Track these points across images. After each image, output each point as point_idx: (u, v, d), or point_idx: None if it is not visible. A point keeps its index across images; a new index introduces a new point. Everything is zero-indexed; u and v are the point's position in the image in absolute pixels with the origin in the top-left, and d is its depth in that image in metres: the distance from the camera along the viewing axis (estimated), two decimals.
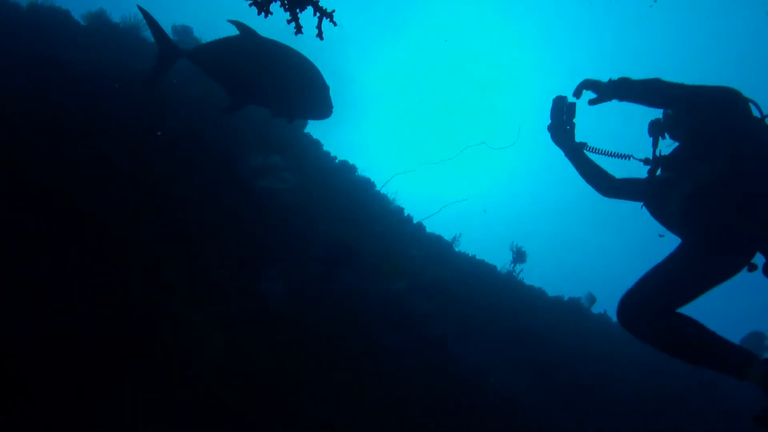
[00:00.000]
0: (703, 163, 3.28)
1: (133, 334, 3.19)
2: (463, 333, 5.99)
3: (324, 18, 2.77)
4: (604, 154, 3.88)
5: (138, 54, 7.80)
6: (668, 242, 3.84)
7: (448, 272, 7.67)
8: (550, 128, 4.01)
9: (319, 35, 2.75)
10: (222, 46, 4.76)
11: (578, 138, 4.00)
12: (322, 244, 5.17)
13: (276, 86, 4.66)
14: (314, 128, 9.70)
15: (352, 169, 9.24)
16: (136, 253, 3.76)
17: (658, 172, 3.70)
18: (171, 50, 4.84)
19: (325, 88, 4.74)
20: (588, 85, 3.80)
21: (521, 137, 8.94)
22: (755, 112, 3.37)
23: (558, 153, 4.17)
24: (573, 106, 3.92)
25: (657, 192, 3.62)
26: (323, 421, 3.76)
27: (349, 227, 6.34)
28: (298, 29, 2.74)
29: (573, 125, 3.96)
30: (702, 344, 3.11)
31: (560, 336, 7.67)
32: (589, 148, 3.94)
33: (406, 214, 9.31)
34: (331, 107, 4.85)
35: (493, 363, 5.78)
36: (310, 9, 2.72)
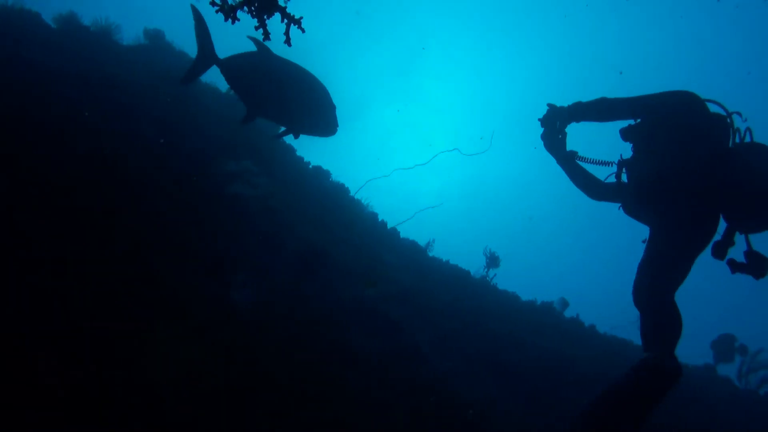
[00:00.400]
0: (656, 159, 3.74)
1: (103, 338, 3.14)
2: (437, 338, 6.00)
3: (292, 24, 2.76)
4: (591, 162, 4.25)
5: (111, 57, 7.70)
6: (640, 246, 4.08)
7: (421, 278, 7.69)
8: (543, 136, 4.29)
9: (287, 42, 2.74)
10: (244, 60, 4.99)
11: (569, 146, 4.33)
12: (294, 249, 5.14)
13: (288, 103, 4.93)
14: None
15: (326, 174, 9.22)
16: (107, 257, 3.70)
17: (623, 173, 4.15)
18: (209, 56, 5.04)
19: (332, 108, 4.97)
20: (548, 119, 4.24)
21: (494, 145, 9.05)
22: (719, 111, 3.75)
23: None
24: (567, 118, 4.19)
25: (625, 189, 4.07)
26: (297, 426, 3.73)
27: (322, 233, 6.32)
28: (266, 35, 2.72)
29: (565, 134, 4.26)
30: (663, 328, 3.67)
31: (534, 340, 7.72)
32: (579, 156, 4.27)
33: (380, 220, 9.31)
34: (337, 126, 5.05)
35: (467, 368, 5.80)
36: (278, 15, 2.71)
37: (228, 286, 4.38)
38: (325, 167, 9.51)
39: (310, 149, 10.12)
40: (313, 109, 4.91)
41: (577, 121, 4.10)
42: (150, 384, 3.30)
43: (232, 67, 4.99)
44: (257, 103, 5.01)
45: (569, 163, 4.30)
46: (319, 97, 4.91)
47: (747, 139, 3.69)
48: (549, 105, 4.26)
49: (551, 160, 4.38)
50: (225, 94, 9.68)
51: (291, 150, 9.21)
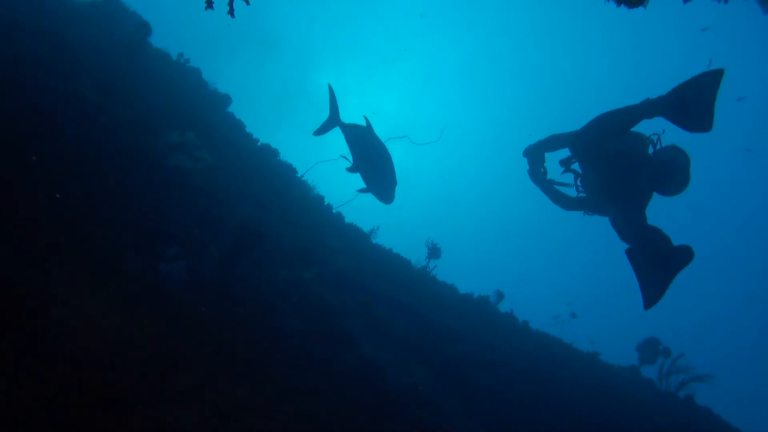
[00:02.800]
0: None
1: (23, 312, 3.04)
2: (371, 324, 6.04)
3: None
4: (563, 185, 6.06)
5: (62, 13, 7.36)
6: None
7: (362, 263, 7.70)
8: (530, 173, 6.15)
9: (230, 12, 2.68)
10: (357, 129, 6.63)
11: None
12: (232, 226, 5.06)
13: (375, 171, 6.39)
14: (238, 109, 9.51)
15: (274, 153, 9.10)
16: (33, 228, 3.57)
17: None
18: (335, 120, 6.94)
19: (394, 184, 6.38)
20: (529, 152, 6.16)
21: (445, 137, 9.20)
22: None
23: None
24: (543, 156, 6.11)
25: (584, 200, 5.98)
26: (219, 398, 3.71)
27: (263, 211, 6.24)
28: (209, 4, 2.65)
29: (545, 169, 6.11)
30: None
31: (467, 332, 7.86)
32: (556, 183, 6.05)
33: (326, 203, 9.26)
34: (393, 197, 6.41)
35: (396, 355, 5.85)
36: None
37: (158, 258, 4.29)
38: (274, 146, 9.39)
39: (260, 128, 9.96)
40: (384, 181, 6.32)
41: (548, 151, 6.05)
42: (76, 353, 3.21)
43: (349, 132, 6.70)
44: (361, 160, 6.48)
45: (550, 188, 6.06)
46: (391, 173, 6.34)
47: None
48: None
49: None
50: (176, 61, 9.42)
51: (240, 125, 9.04)
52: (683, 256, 5.18)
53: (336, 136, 7.26)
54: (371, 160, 6.39)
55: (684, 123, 5.06)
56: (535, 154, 6.15)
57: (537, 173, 6.18)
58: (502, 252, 45.54)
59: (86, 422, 3.04)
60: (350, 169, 6.58)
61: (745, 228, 44.39)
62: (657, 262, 5.31)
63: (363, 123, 6.56)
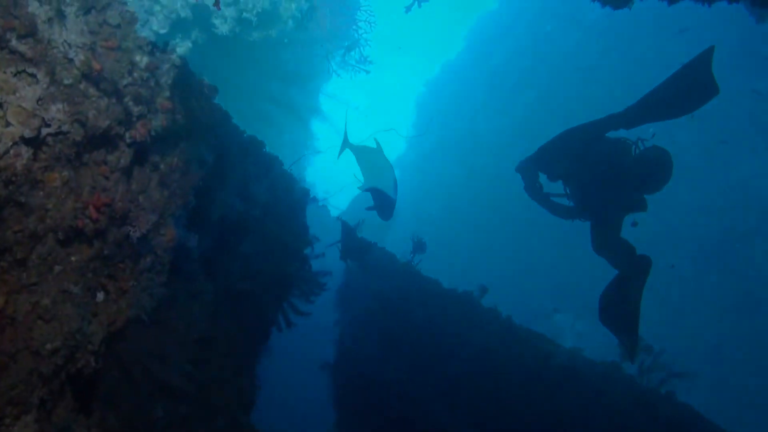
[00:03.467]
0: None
1: None
2: (354, 319, 6.05)
3: None
4: (558, 196, 6.33)
5: None
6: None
7: (347, 258, 7.70)
8: (526, 189, 6.39)
9: (217, 5, 2.65)
10: (366, 149, 7.32)
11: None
12: (214, 220, 5.04)
13: (379, 186, 6.90)
14: (224, 100, 9.41)
15: (260, 144, 9.01)
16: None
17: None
18: (347, 142, 7.74)
19: (393, 202, 6.93)
20: (522, 167, 6.39)
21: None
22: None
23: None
24: (536, 172, 6.38)
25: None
26: (202, 398, 3.71)
27: (247, 205, 6.22)
28: None
29: (540, 184, 6.35)
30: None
31: (450, 326, 7.88)
32: (552, 195, 6.30)
33: (312, 196, 9.21)
34: (392, 215, 6.97)
35: (379, 349, 5.87)
36: None
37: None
38: (260, 138, 9.29)
39: (247, 119, 9.87)
40: (386, 201, 6.81)
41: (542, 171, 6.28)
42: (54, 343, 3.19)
43: (359, 153, 7.41)
44: (370, 179, 7.08)
45: (547, 201, 6.33)
46: (393, 192, 6.85)
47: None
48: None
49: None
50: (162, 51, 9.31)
51: (226, 116, 8.95)
52: (644, 267, 5.51)
53: (322, 131, 7.38)
54: (377, 180, 6.84)
55: (681, 110, 5.24)
56: (527, 169, 6.39)
57: (532, 188, 6.43)
58: (488, 247, 45.70)
59: (68, 413, 3.02)
60: (362, 188, 7.12)
61: (723, 222, 44.78)
62: (623, 293, 5.63)
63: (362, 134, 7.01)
